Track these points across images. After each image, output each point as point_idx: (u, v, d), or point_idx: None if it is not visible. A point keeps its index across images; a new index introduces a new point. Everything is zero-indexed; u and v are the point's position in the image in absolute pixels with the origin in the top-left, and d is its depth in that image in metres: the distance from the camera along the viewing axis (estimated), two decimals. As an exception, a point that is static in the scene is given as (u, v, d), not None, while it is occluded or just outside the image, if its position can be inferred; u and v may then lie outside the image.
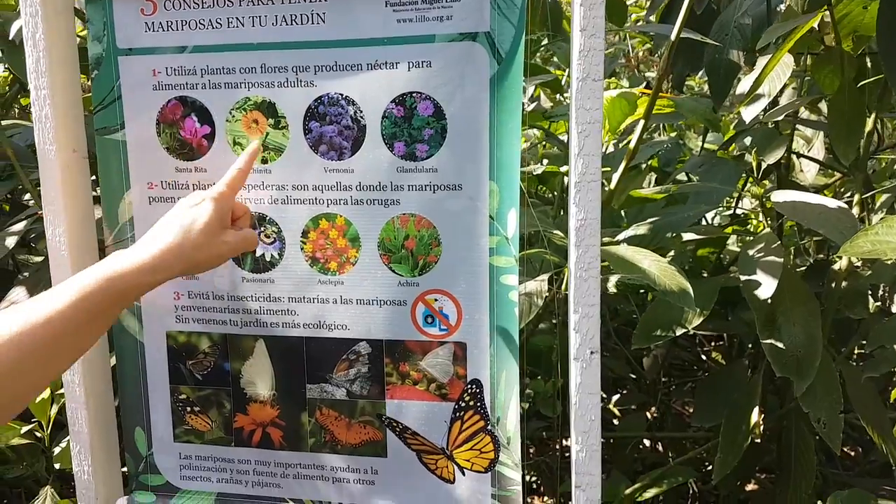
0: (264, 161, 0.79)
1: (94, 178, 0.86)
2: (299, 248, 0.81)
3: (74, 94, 0.83)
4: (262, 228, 0.81)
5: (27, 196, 1.59)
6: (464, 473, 0.81)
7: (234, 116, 0.79)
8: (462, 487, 0.81)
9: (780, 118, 1.31)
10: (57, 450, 1.10)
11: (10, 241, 1.16)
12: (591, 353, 0.73)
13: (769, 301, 1.02)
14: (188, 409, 0.87)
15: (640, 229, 1.24)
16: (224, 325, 0.84)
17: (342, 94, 0.76)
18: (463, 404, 0.79)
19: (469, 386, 0.79)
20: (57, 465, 1.10)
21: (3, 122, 1.27)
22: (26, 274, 1.29)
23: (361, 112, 0.76)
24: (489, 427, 0.79)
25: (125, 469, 0.90)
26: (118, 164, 0.82)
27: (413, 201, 0.77)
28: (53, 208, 0.82)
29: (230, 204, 0.75)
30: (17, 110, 1.85)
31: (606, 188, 1.21)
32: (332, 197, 0.78)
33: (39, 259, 1.44)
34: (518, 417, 0.78)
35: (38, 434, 1.11)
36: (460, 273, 0.77)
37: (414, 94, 0.74)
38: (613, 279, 1.29)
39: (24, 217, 1.24)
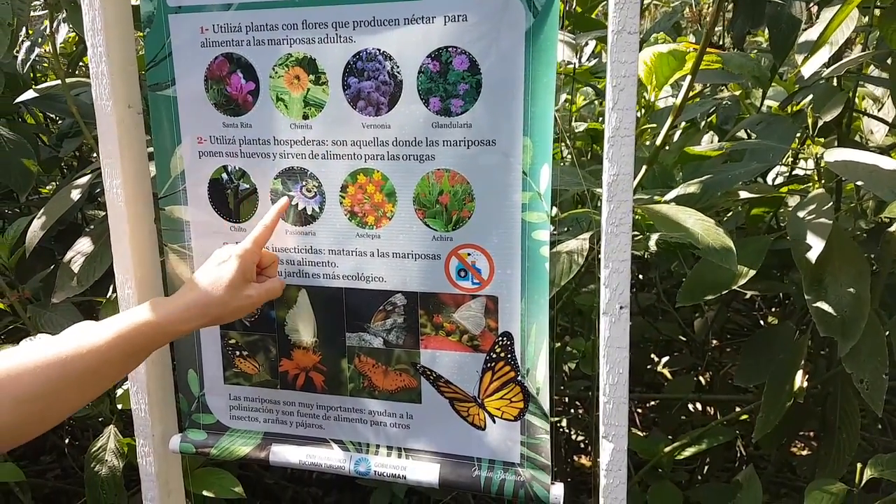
0: (305, 117, 0.82)
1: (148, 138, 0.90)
2: (338, 203, 0.83)
3: (129, 52, 0.86)
4: (304, 183, 0.84)
5: (96, 155, 1.67)
6: (494, 421, 0.83)
7: (276, 73, 0.81)
8: (492, 434, 0.84)
9: (841, 73, 1.26)
10: (119, 391, 1.18)
11: (75, 194, 1.23)
12: (621, 307, 0.74)
13: (817, 261, 1.00)
14: (237, 353, 0.92)
15: (689, 188, 1.22)
16: (269, 275, 0.88)
17: (380, 50, 0.77)
18: (494, 355, 0.81)
19: (500, 338, 0.81)
20: (119, 406, 1.18)
21: (69, 80, 1.33)
22: (92, 227, 1.37)
23: (398, 67, 0.77)
24: (519, 378, 0.81)
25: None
26: (169, 120, 0.86)
27: (448, 157, 0.78)
28: (110, 161, 0.86)
29: (255, 259, 0.81)
30: (84, 70, 1.93)
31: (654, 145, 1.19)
32: (370, 152, 0.80)
33: (104, 215, 1.52)
34: (547, 369, 0.80)
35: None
36: (493, 228, 0.78)
37: (450, 49, 0.75)
38: (655, 237, 1.28)
39: (89, 171, 1.30)
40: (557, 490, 0.81)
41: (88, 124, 1.33)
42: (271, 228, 0.82)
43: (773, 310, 2.12)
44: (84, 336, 0.69)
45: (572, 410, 1.89)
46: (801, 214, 1.08)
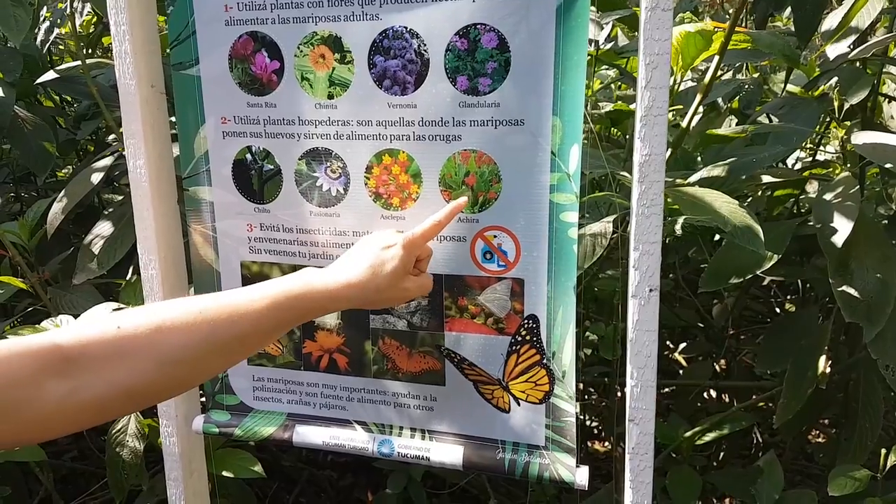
0: (330, 97, 0.81)
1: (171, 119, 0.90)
2: (363, 184, 0.82)
3: (151, 31, 0.86)
4: (329, 164, 0.83)
5: (111, 137, 1.67)
6: (519, 404, 0.83)
7: (301, 51, 0.81)
8: (517, 417, 0.83)
9: (868, 56, 1.24)
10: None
11: (96, 177, 1.23)
12: (650, 290, 0.73)
13: (843, 245, 0.99)
14: (259, 335, 0.91)
15: (712, 171, 1.21)
16: (293, 257, 0.88)
17: (406, 27, 0.76)
18: (519, 338, 0.81)
19: (526, 321, 0.80)
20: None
21: (87, 62, 1.32)
22: (111, 209, 1.37)
23: (425, 45, 0.76)
24: (545, 361, 0.81)
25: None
26: (193, 99, 0.86)
27: (475, 137, 0.77)
28: (134, 141, 0.86)
29: (418, 252, 0.77)
30: (100, 52, 1.92)
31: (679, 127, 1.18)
32: (395, 132, 0.80)
33: (122, 198, 1.52)
34: (573, 352, 0.79)
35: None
36: (520, 210, 0.78)
37: (478, 26, 0.74)
38: (681, 220, 1.27)
39: (109, 154, 1.30)
40: (582, 473, 0.80)
41: (108, 106, 1.33)
42: (442, 225, 0.77)
43: (789, 297, 2.10)
44: (234, 301, 0.66)
45: (586, 396, 1.89)
46: (827, 198, 1.07)
